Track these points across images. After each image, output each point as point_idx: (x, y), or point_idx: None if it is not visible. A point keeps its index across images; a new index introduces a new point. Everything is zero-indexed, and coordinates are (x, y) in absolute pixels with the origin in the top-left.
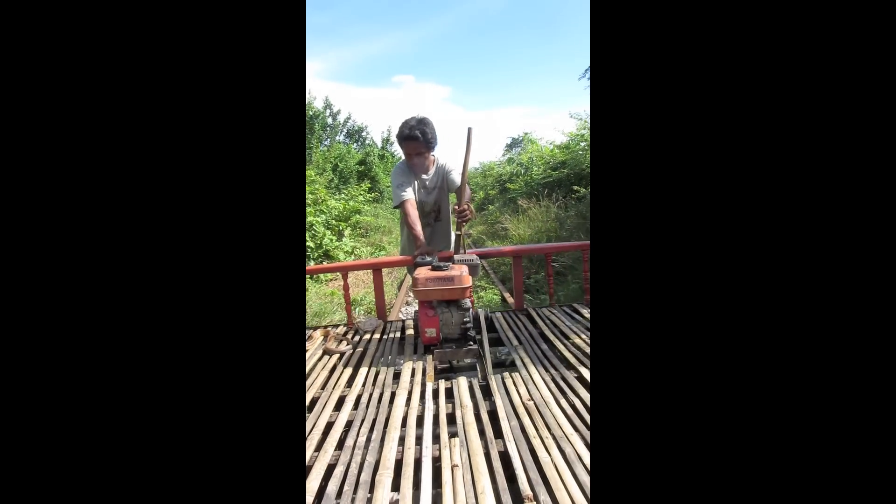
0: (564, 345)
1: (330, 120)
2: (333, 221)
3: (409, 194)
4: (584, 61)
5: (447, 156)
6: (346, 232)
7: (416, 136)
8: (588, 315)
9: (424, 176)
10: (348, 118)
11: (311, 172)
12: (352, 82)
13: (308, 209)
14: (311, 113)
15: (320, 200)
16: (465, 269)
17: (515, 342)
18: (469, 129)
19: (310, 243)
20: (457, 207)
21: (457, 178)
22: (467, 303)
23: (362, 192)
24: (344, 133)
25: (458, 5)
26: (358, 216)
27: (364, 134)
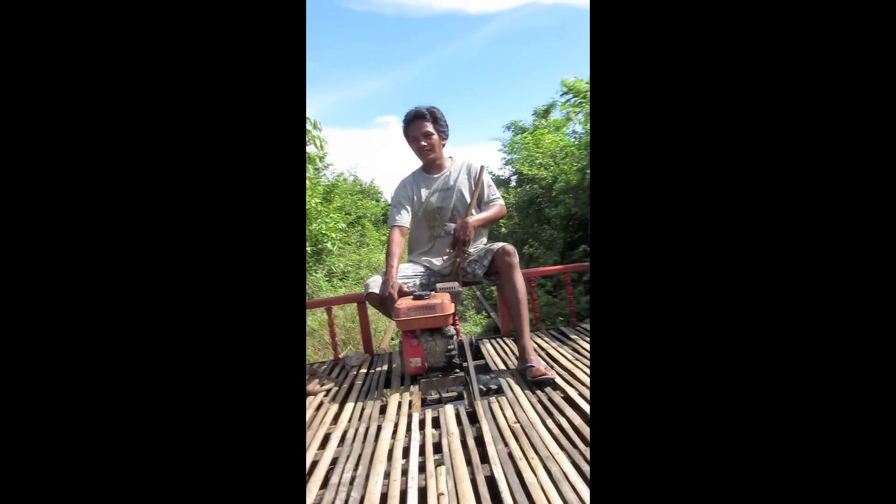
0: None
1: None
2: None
3: (402, 219)
4: (545, 96)
5: (475, 158)
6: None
7: (423, 114)
8: (573, 336)
9: (436, 174)
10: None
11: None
12: (337, 125)
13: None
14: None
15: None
16: (446, 296)
17: (502, 367)
18: (481, 167)
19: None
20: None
21: (488, 188)
22: (451, 330)
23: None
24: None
25: (439, 48)
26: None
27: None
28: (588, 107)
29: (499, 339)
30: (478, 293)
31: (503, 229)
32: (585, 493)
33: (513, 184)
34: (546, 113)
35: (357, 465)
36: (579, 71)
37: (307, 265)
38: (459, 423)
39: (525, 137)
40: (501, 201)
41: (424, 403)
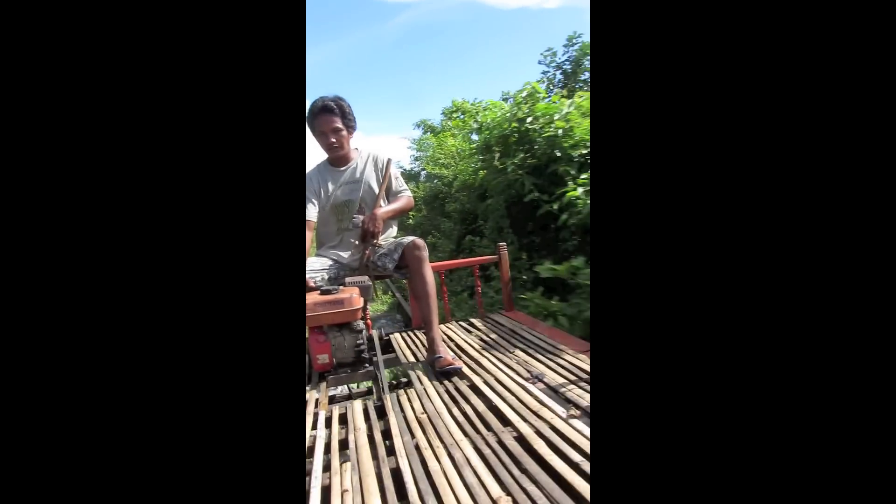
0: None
1: None
2: None
3: (308, 213)
4: (451, 92)
5: (383, 150)
6: None
7: (332, 108)
8: (481, 327)
9: (342, 167)
10: None
11: None
12: None
13: None
14: None
15: None
16: (355, 290)
17: (412, 359)
18: (388, 159)
19: None
20: (364, 222)
21: (395, 180)
22: (360, 324)
23: None
24: None
25: (352, 33)
26: None
27: None
28: (472, 123)
29: (409, 332)
30: (388, 280)
31: (411, 221)
32: (485, 475)
33: (422, 178)
34: (452, 115)
35: None
36: (488, 65)
37: None
38: (367, 418)
39: (431, 137)
40: (409, 193)
41: (332, 401)
